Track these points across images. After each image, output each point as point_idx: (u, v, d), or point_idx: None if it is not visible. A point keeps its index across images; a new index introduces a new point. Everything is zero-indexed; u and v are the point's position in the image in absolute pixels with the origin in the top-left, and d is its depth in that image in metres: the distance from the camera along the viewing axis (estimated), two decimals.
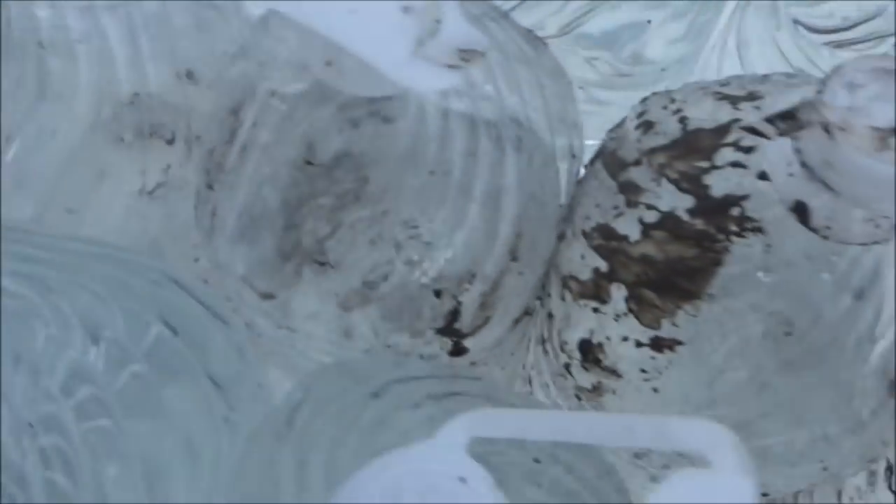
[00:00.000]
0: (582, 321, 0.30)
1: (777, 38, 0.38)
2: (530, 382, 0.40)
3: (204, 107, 0.33)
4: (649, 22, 0.34)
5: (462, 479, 0.20)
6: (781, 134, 0.21)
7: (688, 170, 0.26)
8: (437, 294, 0.29)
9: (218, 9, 0.35)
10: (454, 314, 0.30)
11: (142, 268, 0.29)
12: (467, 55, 0.21)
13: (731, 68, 0.40)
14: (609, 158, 0.31)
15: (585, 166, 0.33)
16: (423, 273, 0.29)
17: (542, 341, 0.34)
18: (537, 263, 0.31)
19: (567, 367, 0.32)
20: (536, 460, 0.25)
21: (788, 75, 0.29)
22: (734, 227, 0.25)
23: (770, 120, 0.20)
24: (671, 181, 0.27)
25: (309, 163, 0.28)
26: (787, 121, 0.19)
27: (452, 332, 0.30)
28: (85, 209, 0.34)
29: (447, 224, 0.28)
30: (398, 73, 0.18)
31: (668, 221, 0.27)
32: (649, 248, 0.27)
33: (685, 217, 0.26)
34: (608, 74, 0.37)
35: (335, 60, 0.22)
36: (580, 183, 0.33)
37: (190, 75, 0.35)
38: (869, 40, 0.34)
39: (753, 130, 0.21)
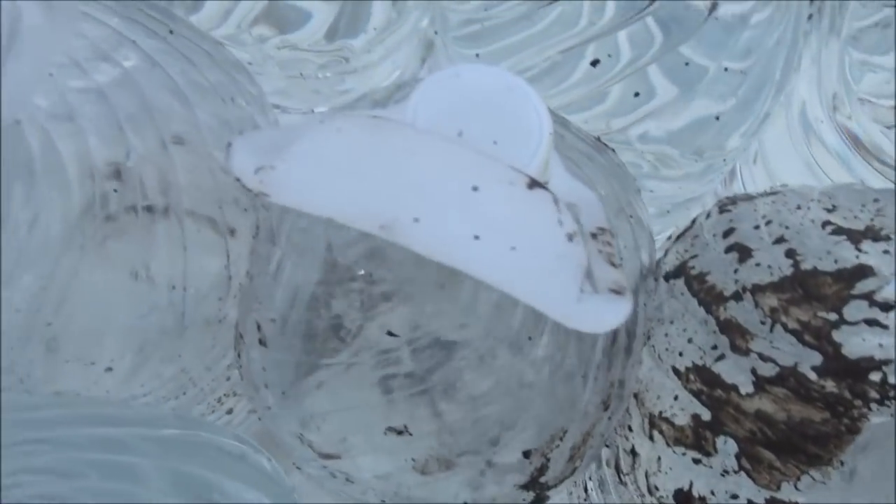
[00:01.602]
0: (678, 469, 0.28)
1: (840, 118, 0.35)
2: (586, 490, 0.38)
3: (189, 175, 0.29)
4: (717, 118, 0.31)
5: None
6: None
7: (810, 320, 0.24)
8: (527, 455, 0.26)
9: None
10: (541, 470, 0.27)
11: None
12: (604, 243, 0.18)
13: (786, 149, 0.38)
14: (696, 283, 0.28)
15: (657, 279, 0.31)
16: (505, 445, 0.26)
17: (619, 471, 0.32)
18: (625, 402, 0.28)
19: None
20: None
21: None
22: (875, 395, 0.22)
23: None
24: (790, 331, 0.24)
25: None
26: None
27: (537, 486, 0.27)
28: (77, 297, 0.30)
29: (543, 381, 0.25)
30: (569, 316, 0.15)
31: (791, 379, 0.24)
32: (766, 405, 0.25)
33: (812, 376, 0.24)
34: (664, 168, 0.35)
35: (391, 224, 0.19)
36: (655, 300, 0.30)
37: (179, 140, 0.31)
38: None
39: None
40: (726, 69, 0.29)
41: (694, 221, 0.32)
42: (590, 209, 0.19)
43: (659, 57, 0.29)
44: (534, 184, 0.15)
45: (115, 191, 0.25)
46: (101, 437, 0.23)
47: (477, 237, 0.15)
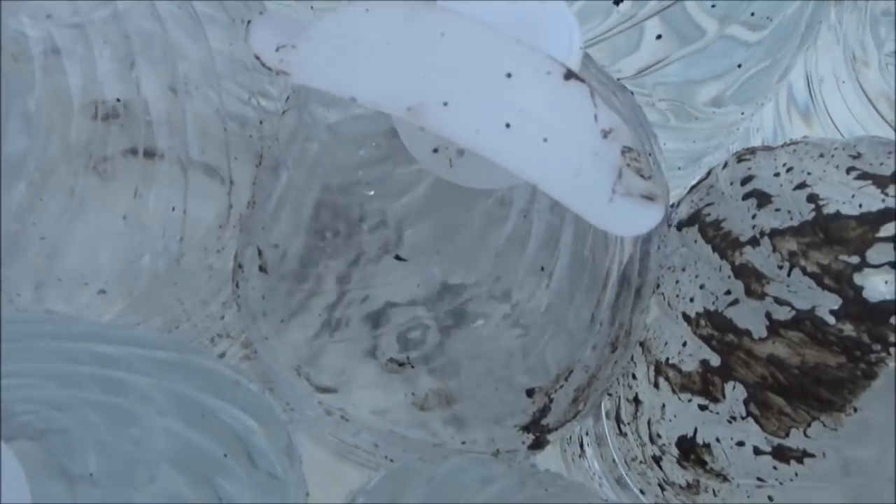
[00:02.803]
0: (682, 416, 0.27)
1: (857, 72, 0.35)
2: (581, 446, 0.37)
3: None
4: (739, 66, 0.30)
5: None
6: None
7: (831, 264, 0.23)
8: (530, 393, 0.25)
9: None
10: (543, 411, 0.26)
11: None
12: (632, 159, 0.17)
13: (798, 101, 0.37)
14: (711, 230, 0.27)
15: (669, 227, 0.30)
16: (514, 371, 0.25)
17: (619, 422, 0.31)
18: (631, 348, 0.27)
19: (656, 459, 0.29)
20: None
21: None
22: (895, 339, 0.22)
23: None
24: (808, 274, 0.24)
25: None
26: None
27: (538, 428, 0.27)
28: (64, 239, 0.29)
29: (546, 316, 0.25)
30: (600, 216, 0.14)
31: (807, 322, 0.23)
32: (779, 349, 0.24)
33: (829, 319, 0.23)
34: (675, 119, 0.34)
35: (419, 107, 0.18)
36: (666, 248, 0.29)
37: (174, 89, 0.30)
38: None
39: None
40: (753, 14, 0.28)
41: (709, 172, 0.31)
42: (618, 130, 0.18)
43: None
44: (570, 75, 0.14)
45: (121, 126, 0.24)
46: (101, 353, 0.22)
47: (508, 125, 0.14)
